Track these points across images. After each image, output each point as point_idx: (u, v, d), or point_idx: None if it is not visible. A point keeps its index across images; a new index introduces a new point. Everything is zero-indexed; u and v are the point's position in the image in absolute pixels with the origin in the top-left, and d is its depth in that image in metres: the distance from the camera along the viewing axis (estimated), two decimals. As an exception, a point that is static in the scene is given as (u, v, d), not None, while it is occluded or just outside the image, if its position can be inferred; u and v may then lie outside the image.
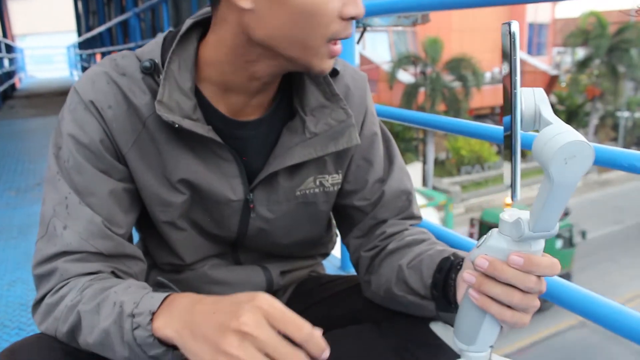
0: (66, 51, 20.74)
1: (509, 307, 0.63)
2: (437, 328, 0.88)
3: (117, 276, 0.77)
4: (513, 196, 0.59)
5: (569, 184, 0.55)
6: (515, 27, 0.56)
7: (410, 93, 19.34)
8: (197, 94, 0.79)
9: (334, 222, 1.03)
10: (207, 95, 0.80)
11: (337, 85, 0.87)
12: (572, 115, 25.36)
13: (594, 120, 24.83)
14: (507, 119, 0.58)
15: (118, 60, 0.79)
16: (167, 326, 0.61)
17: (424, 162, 20.32)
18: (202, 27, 0.80)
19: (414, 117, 1.65)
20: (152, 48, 0.80)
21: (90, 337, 0.68)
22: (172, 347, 0.63)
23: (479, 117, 25.38)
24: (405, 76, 20.19)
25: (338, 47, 0.75)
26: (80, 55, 14.74)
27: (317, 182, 0.88)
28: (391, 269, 0.86)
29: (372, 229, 0.93)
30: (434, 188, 20.34)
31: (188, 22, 0.80)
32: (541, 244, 0.62)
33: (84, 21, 15.50)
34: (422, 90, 19.55)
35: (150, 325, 0.62)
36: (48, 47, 25.79)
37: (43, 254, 0.75)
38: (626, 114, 24.51)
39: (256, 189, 0.85)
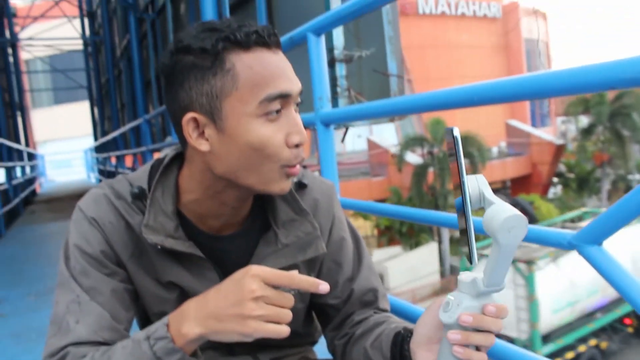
0: (83, 155, 21.54)
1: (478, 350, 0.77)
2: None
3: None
4: (471, 261, 0.74)
5: (512, 246, 0.71)
6: (456, 132, 0.73)
7: (419, 174, 19.56)
8: (180, 214, 0.91)
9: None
10: (188, 215, 0.91)
11: (306, 198, 0.99)
12: (583, 182, 25.37)
13: (606, 186, 24.78)
14: (458, 200, 0.74)
15: (114, 184, 0.93)
16: (191, 328, 0.74)
17: (440, 242, 20.20)
18: (182, 158, 0.92)
19: (384, 210, 1.81)
20: (140, 175, 0.93)
21: None
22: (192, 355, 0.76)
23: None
24: (414, 157, 20.51)
25: (294, 169, 0.84)
26: (97, 159, 15.33)
27: None
28: (359, 352, 0.99)
29: (344, 321, 1.06)
30: (452, 267, 20.10)
31: (170, 154, 0.93)
32: (493, 298, 0.77)
33: (99, 126, 16.27)
34: (430, 170, 19.80)
35: (168, 334, 0.75)
36: (67, 152, 26.79)
37: (54, 346, 0.83)
38: (638, 176, 24.48)
39: None
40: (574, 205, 25.09)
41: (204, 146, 0.82)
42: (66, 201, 11.49)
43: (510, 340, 11.54)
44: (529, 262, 12.91)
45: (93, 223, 0.89)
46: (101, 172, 14.21)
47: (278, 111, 0.81)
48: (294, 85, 0.82)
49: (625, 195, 0.91)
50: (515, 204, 23.65)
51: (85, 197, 0.93)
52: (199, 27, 0.82)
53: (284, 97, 0.81)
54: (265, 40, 0.81)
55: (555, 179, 27.36)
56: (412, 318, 1.46)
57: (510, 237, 0.70)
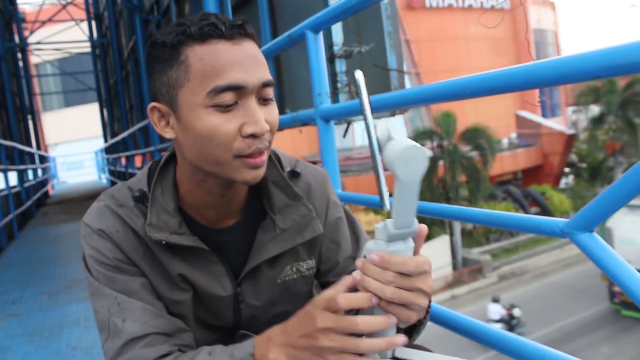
0: (94, 156, 21.71)
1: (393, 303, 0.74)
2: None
3: (183, 352, 0.89)
4: (383, 206, 0.75)
5: (412, 182, 0.69)
6: (358, 74, 0.74)
7: (429, 167, 19.39)
8: (182, 211, 0.94)
9: None
10: (189, 211, 0.95)
11: (299, 185, 1.02)
12: (595, 171, 25.20)
13: (619, 174, 24.56)
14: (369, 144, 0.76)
15: (114, 193, 0.95)
16: (277, 355, 0.78)
17: (451, 234, 20.15)
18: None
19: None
20: (139, 179, 0.97)
21: None
22: None
23: (502, 183, 25.36)
24: (423, 151, 20.44)
25: (257, 159, 0.84)
26: (107, 159, 15.45)
27: (294, 269, 1.01)
28: None
29: None
30: (464, 259, 20.05)
31: (166, 154, 0.96)
32: (409, 243, 0.74)
33: (109, 127, 16.38)
34: (441, 163, 19.74)
35: None
36: (78, 153, 27.00)
37: (114, 348, 0.86)
38: (651, 165, 24.21)
39: (242, 282, 0.98)
40: (586, 195, 24.92)
41: (169, 134, 0.87)
42: (78, 202, 11.60)
43: None
44: None
45: (102, 235, 0.91)
46: (112, 172, 14.33)
47: (234, 103, 0.81)
48: (249, 76, 0.81)
49: (614, 182, 0.92)
50: (527, 195, 23.65)
51: (88, 212, 0.96)
52: (174, 23, 0.85)
53: (237, 89, 0.81)
54: (222, 33, 0.81)
55: (566, 169, 27.19)
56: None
57: (409, 170, 0.68)
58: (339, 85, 2.19)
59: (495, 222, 1.23)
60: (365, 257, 0.76)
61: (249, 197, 0.99)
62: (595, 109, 24.37)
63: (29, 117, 14.41)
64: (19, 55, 14.68)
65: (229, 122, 0.81)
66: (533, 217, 1.15)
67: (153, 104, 0.87)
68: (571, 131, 26.27)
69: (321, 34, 1.89)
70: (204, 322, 1.00)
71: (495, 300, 15.00)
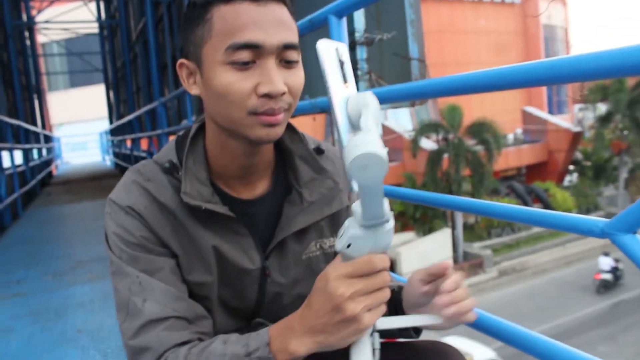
0: (99, 137, 21.70)
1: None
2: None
3: (202, 341, 0.89)
4: (350, 188, 0.72)
5: (372, 185, 0.64)
6: (319, 44, 0.74)
7: (434, 160, 19.45)
8: (211, 183, 0.94)
9: None
10: (218, 183, 0.95)
11: (323, 161, 1.04)
12: (599, 170, 25.10)
13: (624, 174, 24.50)
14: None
15: (140, 168, 0.95)
16: (300, 345, 0.76)
17: (453, 228, 20.14)
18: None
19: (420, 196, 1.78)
20: (167, 152, 0.96)
21: None
22: None
23: (506, 178, 25.31)
24: (428, 143, 20.39)
25: (271, 117, 0.84)
26: (112, 141, 15.42)
27: (318, 246, 1.02)
28: None
29: None
30: (465, 253, 20.06)
31: (195, 125, 0.97)
32: (388, 226, 0.73)
33: (115, 109, 16.35)
34: (445, 156, 19.69)
35: (271, 354, 0.77)
36: (82, 134, 27.00)
37: (132, 329, 0.85)
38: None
39: (270, 256, 0.98)
40: (589, 194, 24.85)
41: (194, 90, 0.90)
42: (82, 183, 11.61)
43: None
44: None
45: (129, 211, 0.90)
46: (116, 154, 14.31)
47: (251, 61, 0.83)
48: (268, 37, 0.82)
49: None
50: (530, 191, 23.60)
51: (115, 189, 0.94)
52: None
53: (254, 48, 0.82)
54: None
55: (571, 167, 27.09)
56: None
57: (366, 177, 0.63)
58: (359, 73, 2.14)
59: (530, 219, 1.19)
60: (349, 246, 0.74)
61: (275, 171, 1.00)
62: (602, 107, 24.23)
63: (35, 96, 14.38)
64: (27, 33, 14.61)
65: (244, 80, 0.83)
66: (571, 216, 1.11)
67: (182, 60, 0.91)
68: (577, 129, 26.14)
69: (344, 20, 1.84)
70: (226, 304, 0.99)
71: (606, 254, 17.27)
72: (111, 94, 17.09)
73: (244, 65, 0.82)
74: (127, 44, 12.24)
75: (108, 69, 17.34)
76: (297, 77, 0.87)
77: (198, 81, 0.89)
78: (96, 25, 16.91)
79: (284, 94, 0.83)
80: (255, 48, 0.82)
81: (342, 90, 0.71)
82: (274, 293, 1.00)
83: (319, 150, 1.04)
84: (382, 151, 0.62)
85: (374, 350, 0.79)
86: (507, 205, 1.27)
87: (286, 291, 1.01)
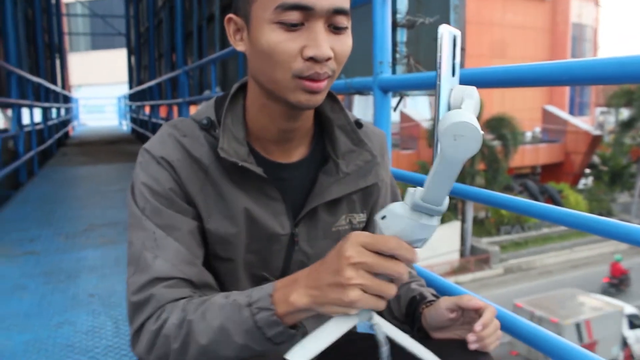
0: (117, 102, 21.72)
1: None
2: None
3: None
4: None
5: (456, 160, 0.63)
6: (442, 28, 0.68)
7: (449, 150, 19.32)
8: (248, 144, 0.93)
9: None
10: (254, 145, 0.94)
11: (362, 134, 1.01)
12: (616, 176, 24.82)
13: (640, 182, 24.21)
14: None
15: (178, 124, 0.94)
16: (299, 297, 0.74)
17: (463, 221, 20.06)
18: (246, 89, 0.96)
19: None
20: (206, 109, 0.95)
21: (203, 339, 0.78)
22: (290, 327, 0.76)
23: (519, 176, 25.12)
24: (445, 133, 20.24)
25: (314, 84, 0.82)
26: (130, 107, 15.42)
27: (348, 220, 1.01)
28: None
29: None
30: (472, 247, 20.00)
31: (236, 85, 0.96)
32: (433, 220, 0.70)
33: (135, 74, 16.31)
34: (461, 147, 19.51)
35: (272, 305, 0.75)
36: (100, 97, 27.05)
37: (137, 284, 0.84)
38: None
39: (299, 224, 0.96)
40: (604, 199, 24.60)
41: (240, 47, 0.89)
42: (97, 145, 11.64)
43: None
44: None
45: (161, 162, 0.89)
46: (133, 120, 14.32)
47: (300, 23, 0.81)
48: (319, 0, 0.80)
49: None
50: (544, 191, 23.43)
51: (150, 140, 0.94)
52: None
53: (304, 9, 0.80)
54: None
55: (587, 170, 26.81)
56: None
57: (455, 147, 0.62)
58: (397, 55, 2.06)
59: (577, 224, 1.13)
60: (384, 217, 0.72)
61: (313, 139, 0.99)
62: (625, 112, 23.87)
63: (57, 55, 14.37)
64: (52, -9, 14.56)
65: (291, 41, 0.81)
66: (623, 224, 1.04)
67: (230, 15, 0.89)
68: (597, 132, 25.82)
69: (389, -1, 1.77)
70: (251, 271, 0.97)
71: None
72: (132, 59, 17.04)
73: (292, 27, 0.81)
74: (153, 9, 12.15)
75: (131, 34, 17.25)
76: (345, 44, 0.85)
77: (245, 38, 0.88)
78: (122, -12, 16.81)
79: (329, 59, 0.82)
80: (305, 10, 0.80)
81: (450, 80, 0.68)
82: (299, 262, 0.99)
83: (359, 124, 1.02)
84: (480, 129, 0.61)
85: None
86: (558, 208, 1.20)
87: (311, 262, 0.97)
